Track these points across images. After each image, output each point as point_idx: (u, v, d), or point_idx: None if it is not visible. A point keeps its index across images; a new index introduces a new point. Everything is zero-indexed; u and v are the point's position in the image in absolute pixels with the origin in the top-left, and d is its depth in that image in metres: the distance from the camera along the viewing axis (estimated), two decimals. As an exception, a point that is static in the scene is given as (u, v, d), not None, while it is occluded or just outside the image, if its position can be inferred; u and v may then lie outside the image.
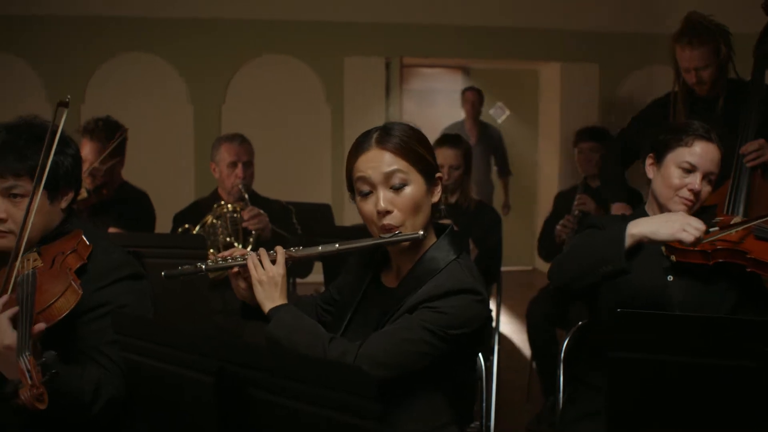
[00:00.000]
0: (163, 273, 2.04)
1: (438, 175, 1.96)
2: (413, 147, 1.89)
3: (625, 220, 2.53)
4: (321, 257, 2.01)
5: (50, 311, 1.87)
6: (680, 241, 2.29)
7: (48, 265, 1.99)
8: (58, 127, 2.03)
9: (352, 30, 6.92)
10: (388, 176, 1.87)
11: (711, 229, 2.36)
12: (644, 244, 2.38)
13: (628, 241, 2.32)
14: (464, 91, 7.08)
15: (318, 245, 2.00)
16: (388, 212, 1.88)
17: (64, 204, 2.12)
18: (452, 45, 7.12)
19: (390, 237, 1.88)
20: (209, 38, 6.70)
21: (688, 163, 2.45)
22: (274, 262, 1.97)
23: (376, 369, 1.76)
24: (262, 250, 1.99)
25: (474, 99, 6.87)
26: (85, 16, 6.51)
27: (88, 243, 2.06)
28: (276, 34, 6.80)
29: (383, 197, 1.87)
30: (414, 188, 1.88)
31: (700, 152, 2.45)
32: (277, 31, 6.80)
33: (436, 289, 1.84)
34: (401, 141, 1.88)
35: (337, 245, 1.97)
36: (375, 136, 1.91)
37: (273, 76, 6.84)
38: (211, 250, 3.53)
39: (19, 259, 1.99)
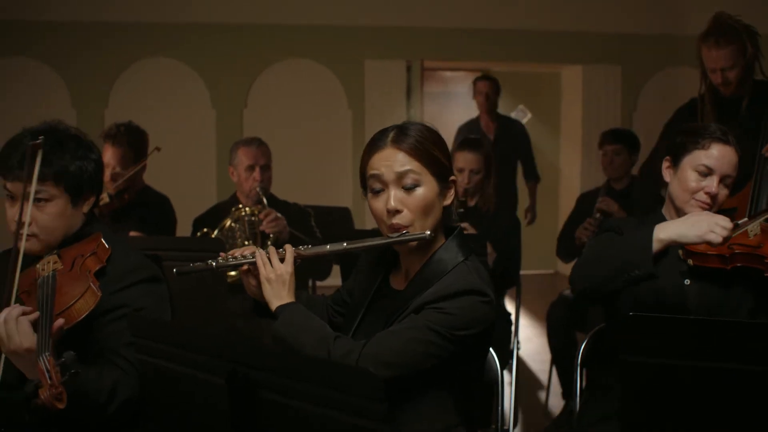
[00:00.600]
0: (174, 269, 2.07)
1: (452, 178, 1.96)
2: (428, 148, 1.90)
3: (642, 223, 2.53)
4: (330, 255, 2.03)
5: (69, 313, 1.90)
6: (709, 243, 2.28)
7: (68, 268, 2.03)
8: (33, 170, 2.05)
9: (373, 33, 6.93)
10: (401, 176, 1.88)
11: (739, 222, 2.35)
12: (670, 248, 2.37)
13: (655, 246, 2.32)
14: (475, 82, 6.02)
15: (327, 244, 2.02)
16: (398, 211, 1.89)
17: (86, 208, 2.16)
18: (473, 48, 7.12)
19: (398, 236, 1.89)
20: (231, 43, 6.75)
21: (705, 166, 2.43)
22: (283, 260, 1.99)
23: (380, 368, 1.77)
24: (271, 248, 2.01)
25: (487, 89, 5.84)
26: (109, 22, 6.59)
27: (107, 246, 2.09)
28: (297, 39, 6.83)
29: (394, 196, 1.88)
30: (426, 189, 1.89)
31: (717, 155, 2.43)
32: (298, 35, 6.83)
33: (443, 290, 1.84)
34: (416, 141, 1.89)
35: (345, 244, 1.98)
36: (391, 135, 1.91)
37: (294, 80, 6.88)
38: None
39: (41, 261, 2.03)
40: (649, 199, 3.78)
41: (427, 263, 1.92)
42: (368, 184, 1.93)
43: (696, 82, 3.56)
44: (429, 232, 1.88)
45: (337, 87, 6.95)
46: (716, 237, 2.26)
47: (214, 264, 2.04)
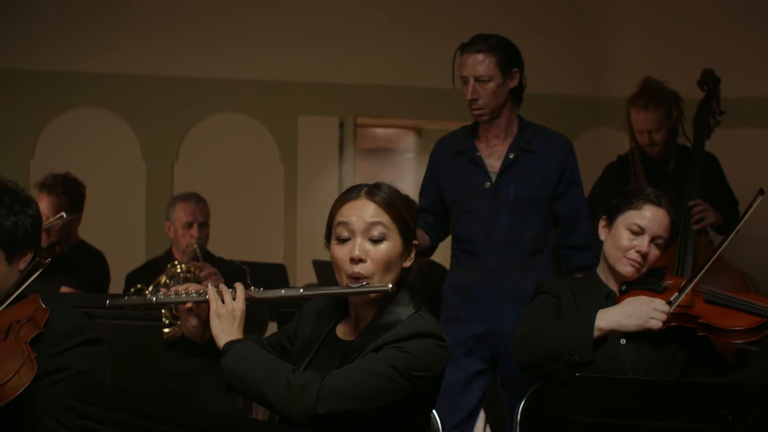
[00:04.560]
0: (107, 301, 2.01)
1: (415, 242, 2.00)
2: (398, 207, 1.95)
3: (577, 284, 2.61)
4: (282, 301, 2.00)
5: (3, 391, 1.82)
6: (650, 329, 2.34)
7: (2, 336, 1.93)
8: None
9: (306, 89, 6.98)
10: (370, 226, 1.92)
11: (671, 299, 2.42)
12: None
13: (595, 334, 2.38)
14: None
15: (281, 289, 2.00)
16: (361, 261, 1.91)
17: (22, 265, 2.09)
18: (405, 105, 7.23)
19: (358, 287, 1.91)
20: (164, 95, 6.69)
21: (637, 225, 2.54)
22: (234, 298, 1.95)
23: (340, 400, 1.78)
24: (222, 286, 1.98)
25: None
26: (37, 70, 6.47)
27: (45, 307, 2.02)
28: (230, 93, 6.82)
29: (359, 246, 1.91)
30: (391, 245, 1.93)
31: (650, 216, 2.54)
32: (232, 89, 6.83)
33: (401, 332, 1.87)
34: (389, 197, 1.95)
35: (301, 290, 1.98)
36: (365, 188, 1.97)
37: (227, 134, 6.85)
38: (164, 311, 3.49)
39: None
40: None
41: (380, 314, 1.94)
42: (335, 231, 1.96)
43: (618, 142, 3.74)
44: (390, 285, 1.90)
45: (269, 142, 6.95)
46: (656, 323, 2.34)
47: (153, 299, 1.99)
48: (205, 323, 1.97)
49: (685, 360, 2.49)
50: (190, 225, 3.76)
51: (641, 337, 2.45)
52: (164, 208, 4.02)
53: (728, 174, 3.73)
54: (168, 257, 3.82)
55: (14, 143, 6.44)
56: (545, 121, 7.72)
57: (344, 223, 1.94)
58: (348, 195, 1.99)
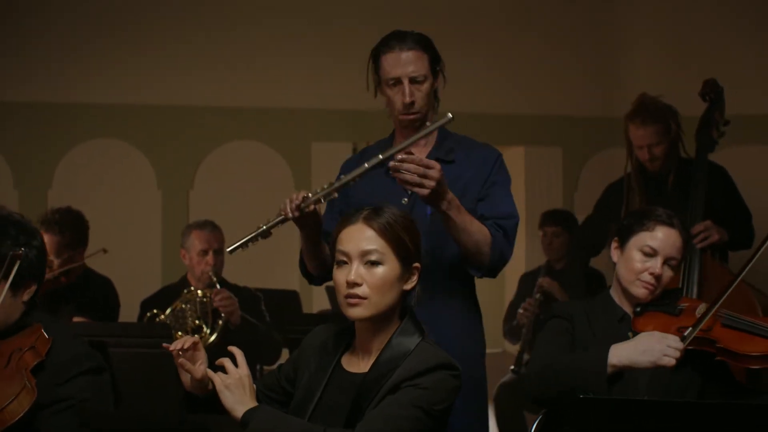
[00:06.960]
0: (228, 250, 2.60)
1: (416, 265, 2.02)
2: (397, 231, 1.97)
3: (590, 306, 2.59)
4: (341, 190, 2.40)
5: (2, 415, 1.85)
6: (663, 367, 2.31)
7: (4, 363, 1.96)
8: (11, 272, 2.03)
9: (319, 116, 7.02)
10: (365, 253, 1.95)
11: (686, 334, 2.38)
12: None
13: (609, 370, 2.35)
14: None
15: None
16: (356, 284, 1.94)
17: (26, 297, 2.10)
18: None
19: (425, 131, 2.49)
20: (178, 125, 6.74)
21: (650, 247, 2.51)
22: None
23: None
24: (222, 359, 1.98)
25: None
26: (54, 102, 6.55)
27: (47, 337, 2.03)
28: (244, 121, 6.87)
29: (355, 270, 1.94)
30: (387, 269, 1.95)
31: (662, 237, 2.52)
32: (245, 117, 6.88)
33: (416, 367, 1.90)
34: (387, 223, 1.97)
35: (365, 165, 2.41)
36: (365, 213, 2.00)
37: (241, 161, 6.89)
38: (180, 333, 3.49)
39: None
40: (578, 269, 3.88)
41: (388, 346, 1.96)
42: (335, 255, 2.00)
43: (633, 162, 3.72)
44: (450, 115, 2.45)
45: (284, 168, 6.98)
46: (670, 360, 2.30)
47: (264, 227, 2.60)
48: (199, 379, 1.98)
49: (701, 382, 2.46)
50: (205, 252, 3.79)
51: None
52: (180, 235, 4.04)
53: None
54: (183, 284, 3.85)
55: (32, 174, 6.51)
56: (559, 141, 7.75)
57: (342, 249, 1.98)
58: (348, 220, 2.02)
